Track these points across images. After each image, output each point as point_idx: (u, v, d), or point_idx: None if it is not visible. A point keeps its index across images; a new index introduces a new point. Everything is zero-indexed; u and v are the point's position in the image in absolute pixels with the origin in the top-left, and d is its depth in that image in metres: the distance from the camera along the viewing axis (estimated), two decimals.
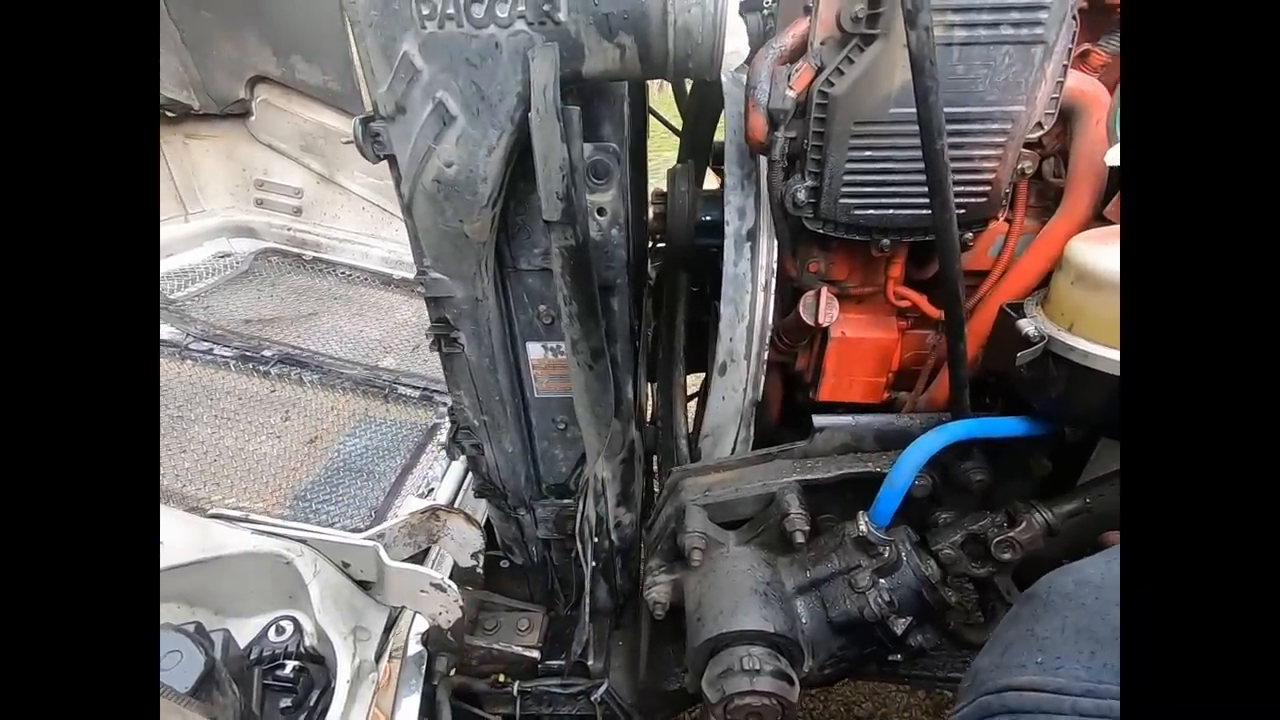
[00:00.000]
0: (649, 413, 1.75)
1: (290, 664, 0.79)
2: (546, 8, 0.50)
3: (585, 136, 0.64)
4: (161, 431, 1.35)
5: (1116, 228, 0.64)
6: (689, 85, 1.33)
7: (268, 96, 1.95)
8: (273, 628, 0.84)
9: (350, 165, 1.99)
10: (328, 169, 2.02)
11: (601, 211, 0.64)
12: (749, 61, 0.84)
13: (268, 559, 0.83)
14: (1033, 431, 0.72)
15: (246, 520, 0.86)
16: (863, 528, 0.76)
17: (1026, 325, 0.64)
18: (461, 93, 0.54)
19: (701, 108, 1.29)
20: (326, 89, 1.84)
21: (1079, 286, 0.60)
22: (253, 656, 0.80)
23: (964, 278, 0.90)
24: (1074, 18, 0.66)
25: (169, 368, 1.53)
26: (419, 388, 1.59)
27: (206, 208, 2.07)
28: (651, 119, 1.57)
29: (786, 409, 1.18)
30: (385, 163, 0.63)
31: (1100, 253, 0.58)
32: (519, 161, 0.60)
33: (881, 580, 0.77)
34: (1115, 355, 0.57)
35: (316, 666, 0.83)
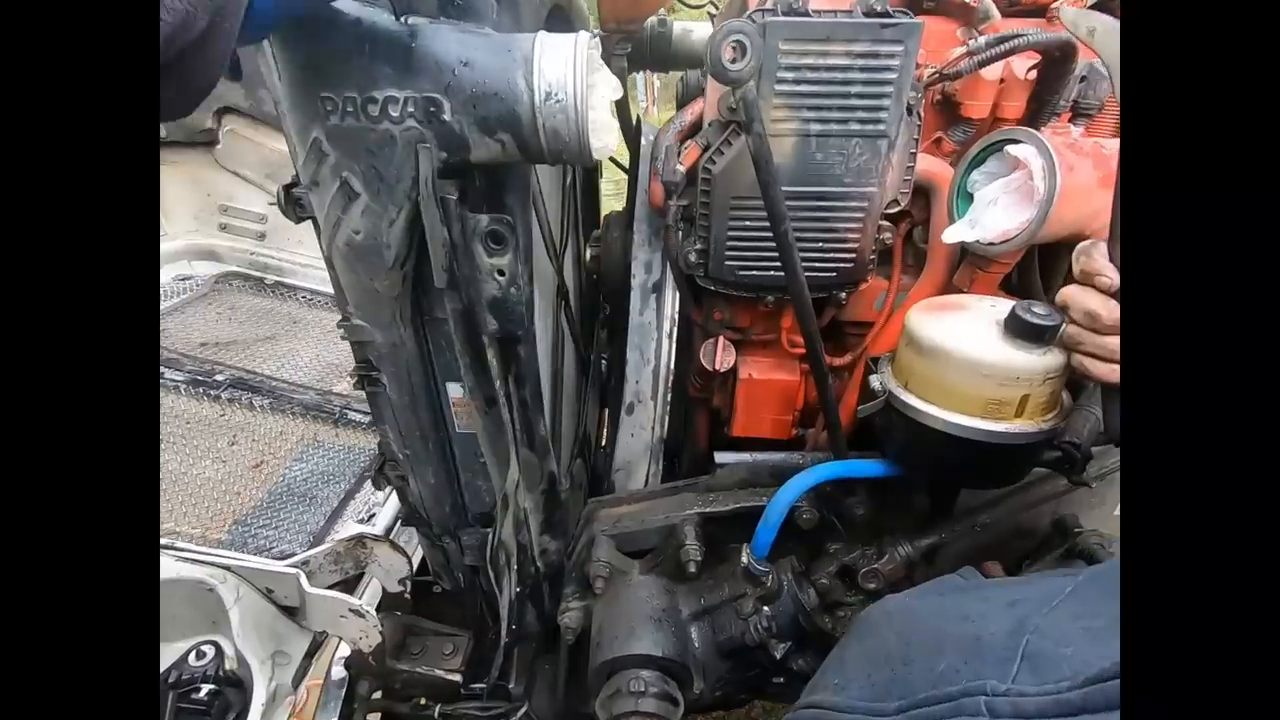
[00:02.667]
0: (602, 439, 1.82)
1: (206, 687, 0.83)
2: (432, 109, 0.58)
3: (489, 203, 0.72)
4: None
5: (945, 299, 0.73)
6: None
7: (235, 127, 2.02)
8: (193, 652, 0.88)
9: None
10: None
11: (501, 273, 0.71)
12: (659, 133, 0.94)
13: (190, 585, 0.87)
14: (890, 473, 0.80)
15: (171, 547, 0.90)
16: (744, 559, 0.83)
17: (873, 380, 0.73)
18: (364, 175, 0.62)
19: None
20: None
21: (910, 350, 0.68)
22: (170, 680, 0.83)
23: (853, 328, 1.00)
24: (918, 115, 0.76)
25: None
26: (369, 413, 1.64)
27: (169, 231, 2.10)
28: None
29: (714, 440, 1.26)
30: None
31: (926, 322, 0.67)
32: (422, 229, 0.68)
33: (765, 608, 0.84)
34: (940, 413, 0.66)
35: (234, 690, 0.86)
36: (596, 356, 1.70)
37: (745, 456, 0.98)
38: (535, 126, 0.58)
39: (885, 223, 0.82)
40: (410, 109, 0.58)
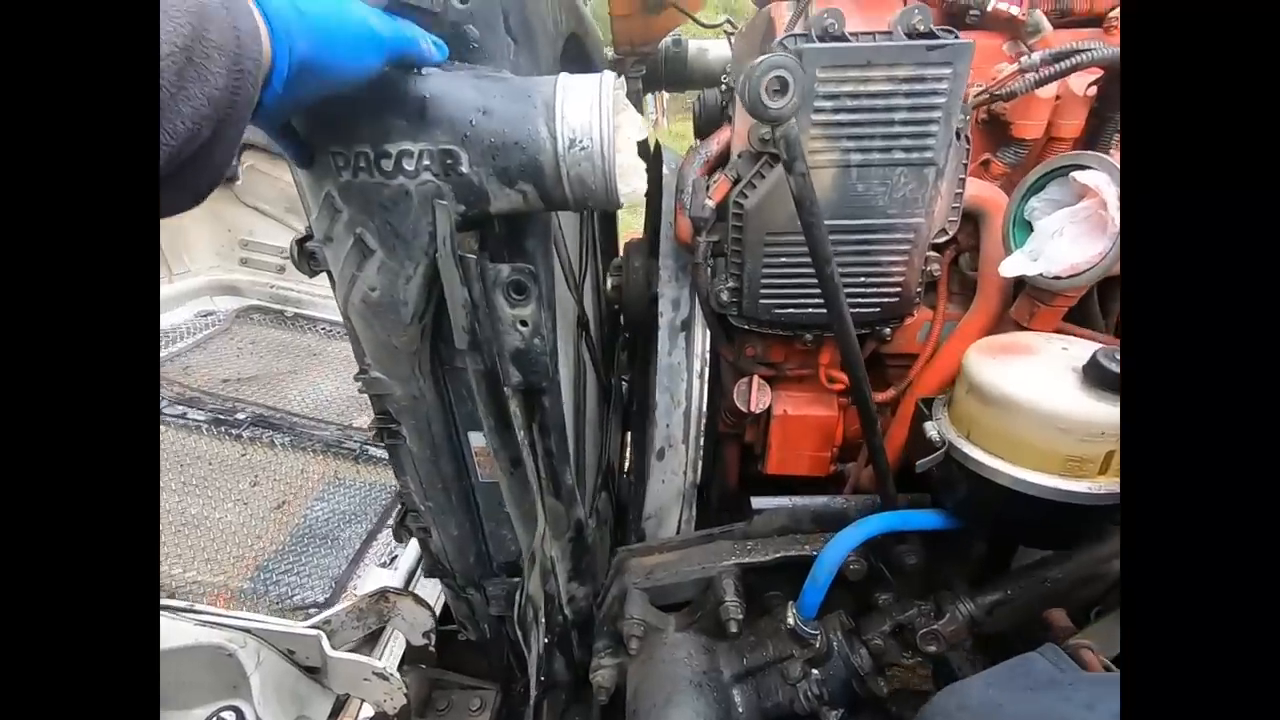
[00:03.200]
0: (624, 464, 1.76)
1: None
2: (449, 162, 0.54)
3: (509, 249, 0.68)
4: None
5: (1008, 339, 0.67)
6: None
7: (254, 163, 2.03)
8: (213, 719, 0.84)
9: None
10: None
11: (524, 323, 0.67)
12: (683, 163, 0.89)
13: (210, 651, 0.84)
14: (948, 525, 0.74)
15: (191, 611, 0.87)
16: (790, 620, 0.77)
17: (930, 429, 0.67)
18: (378, 231, 0.58)
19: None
20: None
21: (972, 397, 0.62)
22: None
23: (895, 361, 0.94)
24: (966, 138, 0.71)
25: None
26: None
27: (191, 268, 2.12)
28: None
29: (745, 474, 1.20)
30: None
31: (988, 367, 0.61)
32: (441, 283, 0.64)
33: (814, 671, 0.78)
34: (1009, 469, 0.60)
35: None
36: (618, 379, 1.65)
37: (784, 501, 0.92)
38: (559, 175, 0.54)
39: (933, 253, 0.76)
40: (426, 162, 0.54)
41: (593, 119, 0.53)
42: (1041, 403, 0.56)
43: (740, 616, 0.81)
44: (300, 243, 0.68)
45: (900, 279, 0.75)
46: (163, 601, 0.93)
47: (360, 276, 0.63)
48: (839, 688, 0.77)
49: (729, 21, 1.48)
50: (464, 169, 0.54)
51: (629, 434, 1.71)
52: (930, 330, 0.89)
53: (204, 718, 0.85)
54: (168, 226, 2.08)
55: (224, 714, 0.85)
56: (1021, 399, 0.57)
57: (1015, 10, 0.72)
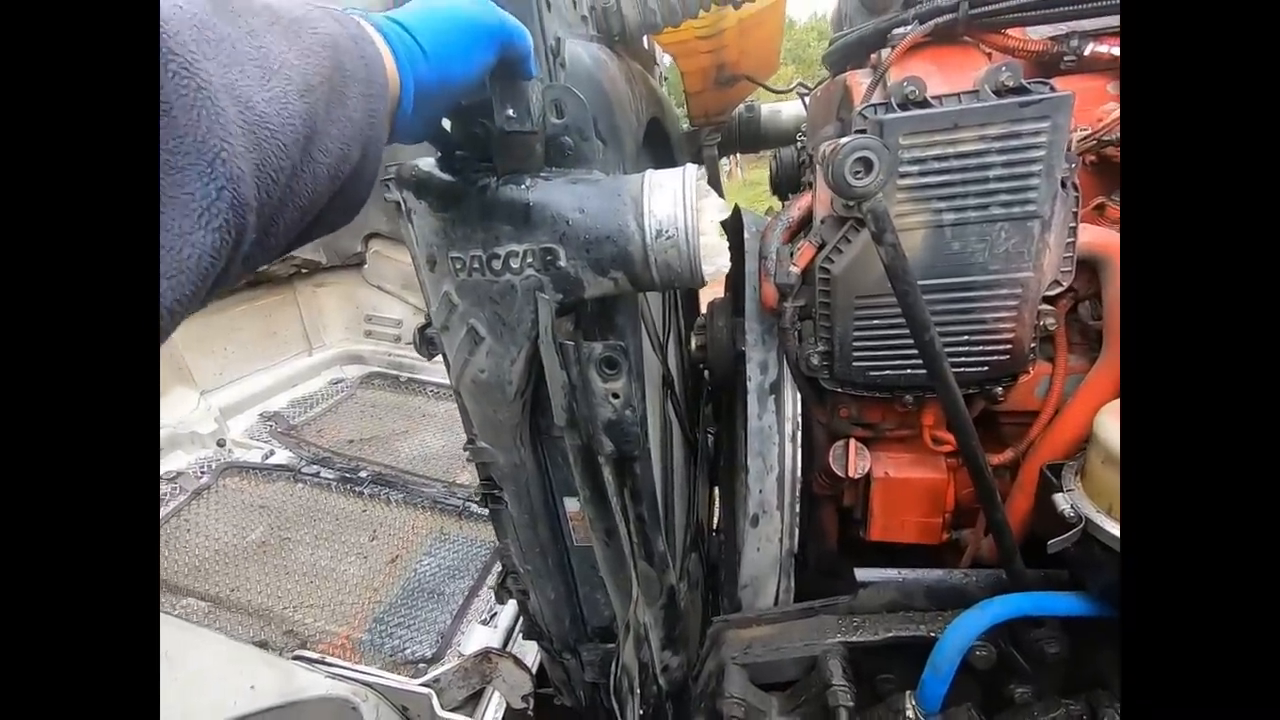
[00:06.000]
0: (713, 521, 1.72)
1: None
2: (549, 258, 0.60)
3: (601, 328, 0.72)
4: (272, 552, 1.54)
5: None
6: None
7: (379, 248, 2.33)
8: None
9: None
10: (424, 303, 2.34)
11: (616, 395, 0.70)
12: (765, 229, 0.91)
13: (337, 704, 0.91)
14: (1094, 612, 0.64)
15: (323, 663, 0.95)
16: (910, 713, 0.69)
17: (1062, 503, 0.60)
18: (488, 321, 0.65)
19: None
20: None
21: (1110, 468, 0.56)
22: None
23: (1010, 419, 0.86)
24: (1073, 186, 0.66)
25: (284, 489, 1.77)
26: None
27: (327, 342, 2.43)
28: None
29: (845, 538, 1.13)
30: None
31: None
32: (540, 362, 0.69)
33: None
34: None
35: None
36: (703, 433, 1.64)
37: (892, 573, 0.86)
38: (647, 263, 0.58)
39: (1046, 306, 0.71)
40: (529, 260, 0.60)
41: (677, 211, 0.56)
42: None
43: (851, 704, 0.75)
44: (421, 330, 0.78)
45: (1010, 335, 0.70)
46: (299, 651, 1.02)
47: (471, 360, 0.70)
48: None
49: (802, 84, 1.51)
50: (562, 263, 0.60)
51: (716, 489, 1.68)
52: (1050, 386, 0.81)
53: None
54: (309, 309, 2.42)
55: None
56: None
57: (1116, 51, 0.68)
